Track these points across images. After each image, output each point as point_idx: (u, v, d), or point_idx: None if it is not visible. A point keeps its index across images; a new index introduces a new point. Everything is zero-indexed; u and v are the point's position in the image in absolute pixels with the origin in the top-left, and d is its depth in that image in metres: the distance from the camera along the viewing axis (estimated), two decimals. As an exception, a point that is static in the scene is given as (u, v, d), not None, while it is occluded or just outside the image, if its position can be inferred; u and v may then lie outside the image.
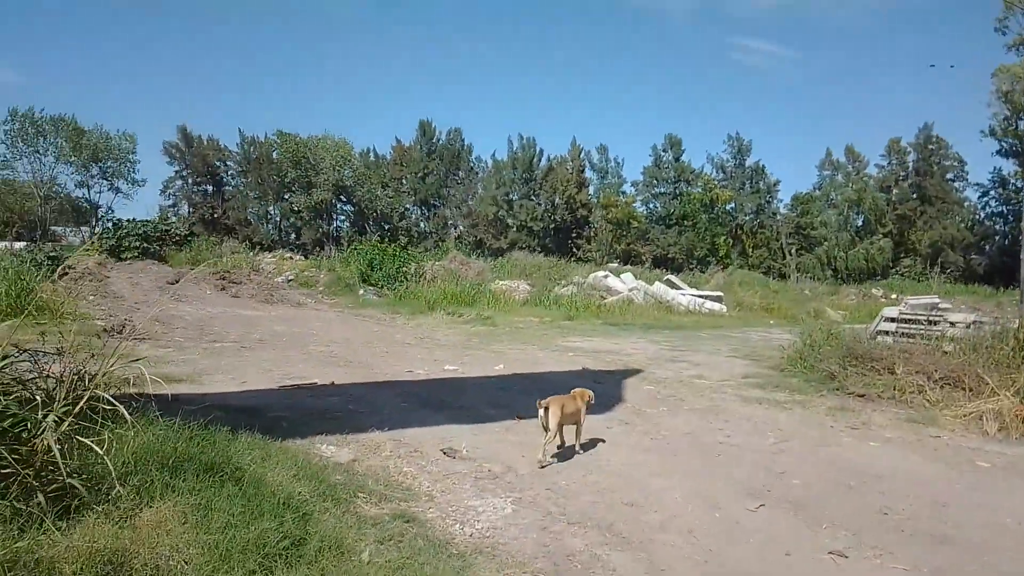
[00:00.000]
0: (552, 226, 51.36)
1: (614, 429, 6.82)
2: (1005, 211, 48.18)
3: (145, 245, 27.55)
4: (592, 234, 51.66)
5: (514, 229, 51.91)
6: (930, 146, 50.92)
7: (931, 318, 10.89)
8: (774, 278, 40.78)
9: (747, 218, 51.59)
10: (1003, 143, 40.57)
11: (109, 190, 47.91)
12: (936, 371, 8.59)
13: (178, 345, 11.31)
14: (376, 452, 5.63)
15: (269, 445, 5.06)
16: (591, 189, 55.17)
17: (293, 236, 59.78)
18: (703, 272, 36.40)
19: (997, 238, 46.73)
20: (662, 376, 10.19)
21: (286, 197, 53.63)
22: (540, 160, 53.74)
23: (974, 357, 8.82)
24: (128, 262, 25.00)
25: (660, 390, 9.08)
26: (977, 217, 49.98)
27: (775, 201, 53.06)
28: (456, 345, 12.97)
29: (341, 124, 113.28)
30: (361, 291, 23.94)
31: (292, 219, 57.05)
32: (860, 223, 49.49)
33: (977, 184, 49.88)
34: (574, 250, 50.25)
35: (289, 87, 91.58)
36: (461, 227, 58.63)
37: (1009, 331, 9.27)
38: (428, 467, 5.39)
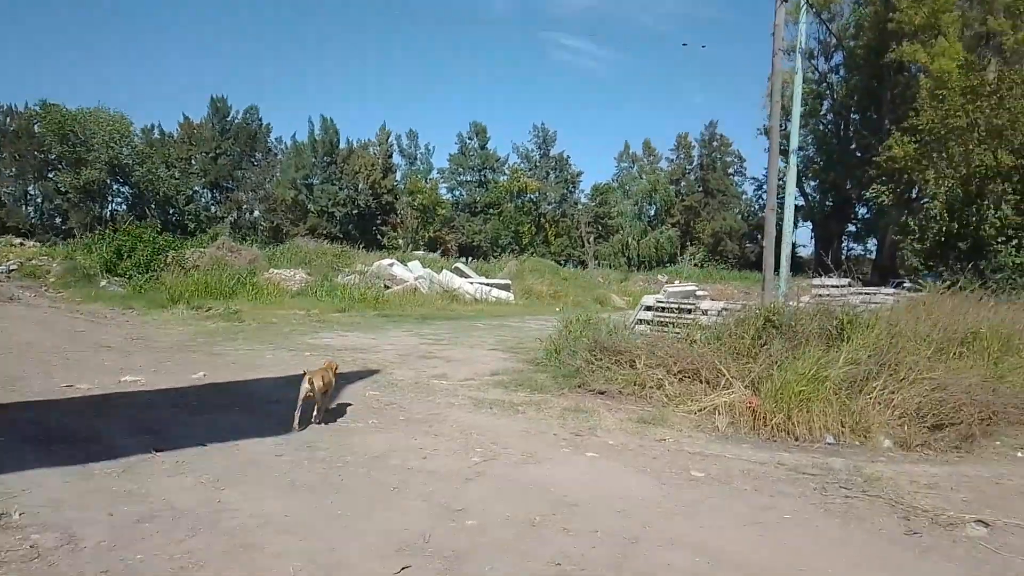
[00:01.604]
0: (355, 211, 48.90)
1: (285, 456, 5.36)
2: (775, 204, 53.03)
3: None
4: (398, 220, 49.96)
5: (314, 214, 48.82)
6: (714, 142, 55.04)
7: (683, 306, 10.60)
8: (574, 266, 41.73)
9: (550, 207, 52.55)
10: (774, 141, 44.41)
11: None
12: (675, 364, 8.07)
13: None
14: None
15: None
16: (399, 175, 53.42)
17: (59, 220, 52.05)
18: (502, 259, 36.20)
19: (767, 228, 51.47)
20: (399, 378, 8.92)
21: (50, 176, 46.64)
22: (342, 143, 51.02)
23: (716, 347, 8.42)
24: None
25: (384, 396, 7.78)
26: (752, 209, 54.71)
27: (577, 191, 54.64)
28: (171, 347, 10.79)
29: (120, 98, 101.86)
30: (104, 282, 20.54)
31: (57, 201, 49.57)
32: (652, 213, 52.28)
33: (753, 178, 54.66)
34: (379, 237, 48.33)
35: (58, 54, 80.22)
36: (257, 212, 54.35)
37: (750, 319, 8.98)
38: (-69, 549, 3.57)
